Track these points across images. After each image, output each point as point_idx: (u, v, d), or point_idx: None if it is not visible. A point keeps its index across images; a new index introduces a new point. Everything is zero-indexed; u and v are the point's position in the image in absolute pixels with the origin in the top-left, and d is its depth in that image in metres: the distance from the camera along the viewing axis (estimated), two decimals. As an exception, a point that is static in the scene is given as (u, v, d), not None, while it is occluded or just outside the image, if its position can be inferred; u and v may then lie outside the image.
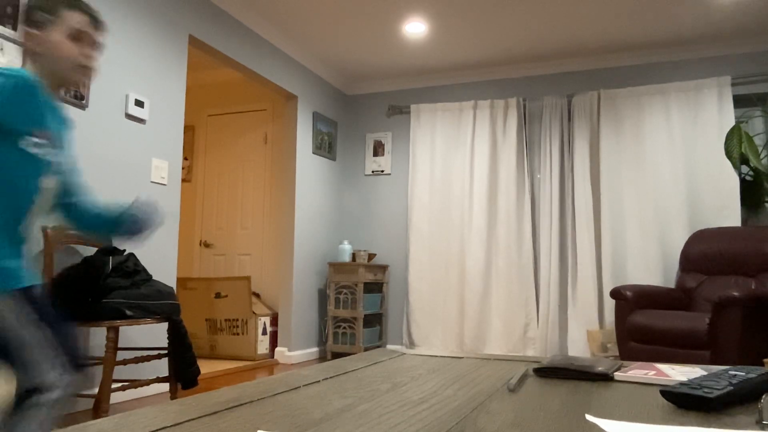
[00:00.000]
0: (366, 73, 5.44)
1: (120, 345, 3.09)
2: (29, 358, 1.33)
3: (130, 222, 1.64)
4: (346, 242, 5.18)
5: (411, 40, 4.66)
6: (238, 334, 4.78)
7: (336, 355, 4.99)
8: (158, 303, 2.74)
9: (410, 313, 5.16)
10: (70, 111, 2.90)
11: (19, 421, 1.30)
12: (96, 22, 1.55)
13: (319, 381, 1.01)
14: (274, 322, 4.91)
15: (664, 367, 1.10)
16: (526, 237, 4.86)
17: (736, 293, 3.22)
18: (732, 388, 0.79)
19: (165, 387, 3.41)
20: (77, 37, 1.49)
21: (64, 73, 1.49)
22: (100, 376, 2.99)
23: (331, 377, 1.05)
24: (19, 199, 1.42)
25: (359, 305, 4.90)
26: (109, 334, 2.55)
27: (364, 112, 5.72)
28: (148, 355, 2.83)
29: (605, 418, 0.74)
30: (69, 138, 1.61)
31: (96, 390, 2.97)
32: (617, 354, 4.07)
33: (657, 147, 4.61)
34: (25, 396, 1.32)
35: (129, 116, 3.25)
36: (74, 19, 1.49)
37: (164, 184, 3.49)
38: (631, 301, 3.76)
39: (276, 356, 4.81)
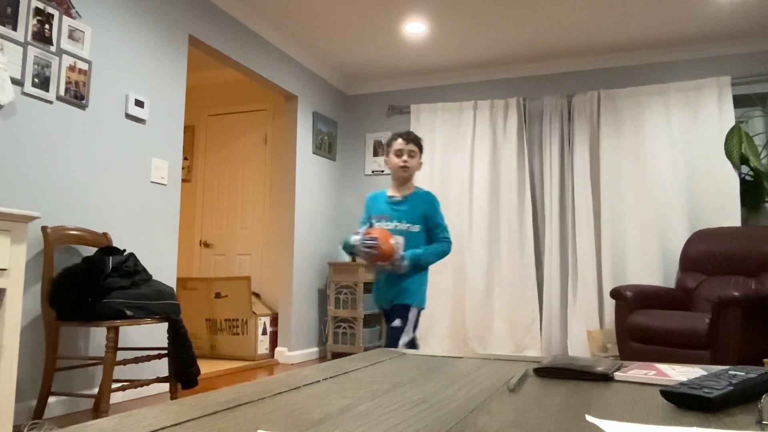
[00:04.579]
0: (366, 73, 5.44)
1: (120, 345, 3.09)
2: None
3: None
4: (346, 242, 5.17)
5: (411, 40, 4.66)
6: (238, 334, 4.78)
7: (336, 355, 4.99)
8: (158, 303, 2.73)
9: (410, 313, 5.15)
10: (71, 111, 2.90)
11: None
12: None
13: (319, 381, 1.01)
14: (274, 322, 4.90)
15: (664, 367, 1.10)
16: (527, 236, 4.85)
17: (736, 293, 3.22)
18: (732, 388, 0.79)
19: (165, 387, 3.41)
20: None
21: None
22: (100, 376, 3.00)
23: (331, 377, 1.05)
24: None
25: (359, 305, 4.90)
26: (109, 334, 2.55)
27: (364, 112, 5.72)
28: (148, 355, 2.83)
29: (605, 418, 0.74)
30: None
31: (96, 390, 2.97)
32: (617, 354, 4.07)
33: (657, 147, 4.60)
34: None
35: (129, 116, 3.25)
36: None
37: (164, 184, 3.49)
38: (631, 301, 3.75)
39: (276, 356, 4.80)
